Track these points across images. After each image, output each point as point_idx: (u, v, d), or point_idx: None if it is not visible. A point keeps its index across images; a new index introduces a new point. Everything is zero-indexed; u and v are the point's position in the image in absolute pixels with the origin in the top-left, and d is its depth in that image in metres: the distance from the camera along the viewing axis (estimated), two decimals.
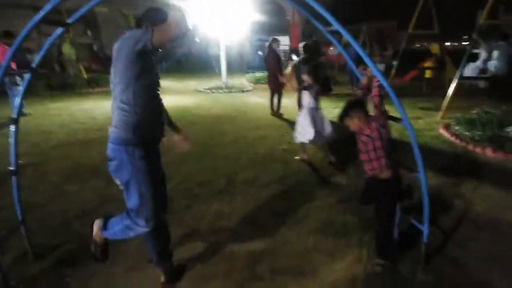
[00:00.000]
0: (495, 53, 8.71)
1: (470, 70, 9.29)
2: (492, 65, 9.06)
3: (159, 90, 2.30)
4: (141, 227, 2.22)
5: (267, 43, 8.78)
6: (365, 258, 2.80)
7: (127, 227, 2.25)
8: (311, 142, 4.87)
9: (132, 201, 2.16)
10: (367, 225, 3.25)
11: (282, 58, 8.85)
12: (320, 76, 7.06)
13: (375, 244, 2.75)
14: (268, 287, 2.51)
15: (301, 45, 8.18)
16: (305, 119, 4.79)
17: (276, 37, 8.88)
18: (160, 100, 2.34)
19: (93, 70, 16.81)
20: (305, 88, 4.81)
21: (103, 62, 17.47)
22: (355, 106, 2.61)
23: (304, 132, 4.81)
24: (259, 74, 15.17)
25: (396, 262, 2.71)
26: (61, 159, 5.35)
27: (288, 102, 9.00)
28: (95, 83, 13.51)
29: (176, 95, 11.78)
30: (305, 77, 4.93)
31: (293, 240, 3.10)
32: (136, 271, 2.70)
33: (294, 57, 11.03)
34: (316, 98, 4.83)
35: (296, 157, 5.21)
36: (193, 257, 2.85)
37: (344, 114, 2.62)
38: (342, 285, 2.51)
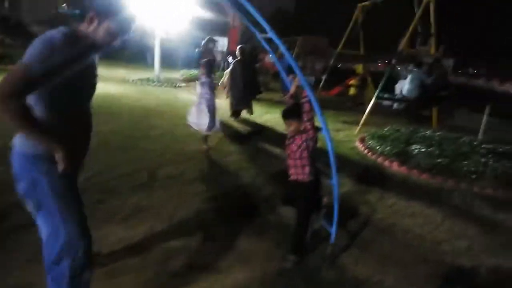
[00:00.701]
0: (409, 78, 9.74)
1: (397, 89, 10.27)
2: (405, 88, 10.12)
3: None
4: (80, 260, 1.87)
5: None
6: (278, 257, 2.92)
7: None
8: (205, 128, 5.39)
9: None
10: (284, 226, 3.40)
11: (218, 59, 8.86)
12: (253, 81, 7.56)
13: (289, 241, 2.90)
14: (180, 283, 2.48)
15: (238, 48, 8.39)
16: (200, 107, 5.40)
17: (213, 37, 8.86)
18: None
19: (8, 45, 15.13)
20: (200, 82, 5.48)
21: (19, 35, 15.80)
22: (297, 111, 2.72)
23: (199, 120, 5.42)
24: (194, 72, 14.96)
25: (305, 259, 2.88)
26: None
27: (222, 102, 9.03)
28: (9, 58, 12.12)
29: (104, 82, 11.07)
30: (200, 72, 5.59)
31: (210, 238, 3.11)
32: (37, 263, 2.48)
33: (230, 59, 11.18)
34: (211, 91, 5.45)
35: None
36: (103, 252, 2.71)
37: (289, 114, 2.77)
38: (254, 282, 2.59)
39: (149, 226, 3.17)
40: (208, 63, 5.51)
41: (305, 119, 2.68)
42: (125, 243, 2.86)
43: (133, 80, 12.41)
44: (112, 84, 11.17)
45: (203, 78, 5.46)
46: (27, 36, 16.21)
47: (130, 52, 18.80)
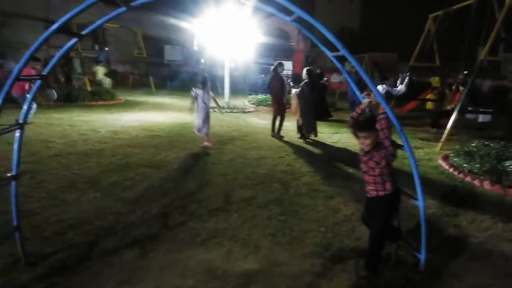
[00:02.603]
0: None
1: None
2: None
3: None
4: None
5: (271, 67, 9.00)
6: (360, 282, 2.76)
7: None
8: (200, 131, 6.88)
9: None
10: (363, 250, 3.23)
11: (286, 82, 9.02)
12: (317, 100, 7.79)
13: (365, 256, 2.79)
14: None
15: (304, 70, 8.48)
16: (197, 116, 6.84)
17: (281, 61, 9.07)
18: None
19: (97, 83, 17.08)
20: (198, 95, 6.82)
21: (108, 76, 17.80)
22: (374, 123, 2.62)
23: (201, 125, 6.80)
24: (261, 96, 15.35)
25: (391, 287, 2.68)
26: (59, 168, 5.34)
27: (289, 125, 9.09)
28: (98, 96, 13.66)
29: (179, 112, 11.87)
30: (197, 89, 6.86)
31: (288, 261, 3.06)
32: (128, 285, 2.66)
33: (291, 83, 11.37)
34: (208, 101, 6.87)
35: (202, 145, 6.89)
36: (185, 274, 2.81)
37: (365, 125, 2.64)
38: None
39: (227, 249, 3.22)
40: (203, 79, 6.99)
41: (383, 136, 2.56)
42: (205, 266, 2.93)
43: (221, 113, 13.08)
44: (186, 113, 11.88)
45: (199, 92, 6.80)
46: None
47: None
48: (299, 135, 8.40)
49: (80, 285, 2.60)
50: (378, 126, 2.56)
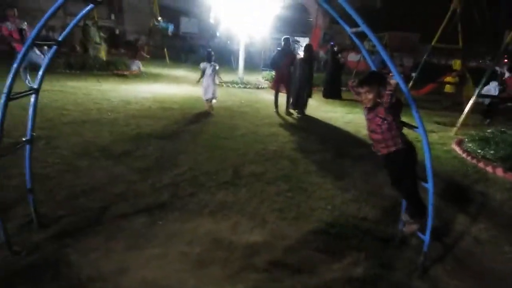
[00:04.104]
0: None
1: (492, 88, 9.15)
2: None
3: None
4: None
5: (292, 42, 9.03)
6: (363, 261, 2.79)
7: None
8: (207, 98, 7.94)
9: None
10: (368, 229, 3.25)
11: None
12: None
13: (407, 206, 2.81)
14: (263, 279, 2.52)
15: (304, 45, 8.62)
16: (206, 84, 7.85)
17: (287, 36, 8.92)
18: None
19: (113, 53, 17.06)
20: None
21: (123, 46, 17.73)
22: (378, 77, 2.54)
23: (205, 92, 7.88)
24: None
25: (392, 267, 2.71)
26: (73, 135, 5.44)
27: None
28: (114, 66, 13.69)
29: (192, 85, 11.84)
30: (203, 65, 7.94)
31: (293, 236, 3.10)
32: (136, 249, 2.75)
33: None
34: (214, 72, 7.88)
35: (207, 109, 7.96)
36: (192, 242, 2.88)
37: (367, 81, 2.57)
38: (338, 285, 2.51)
39: (234, 221, 3.28)
40: (208, 54, 8.07)
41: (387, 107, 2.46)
42: (213, 236, 3.00)
43: (219, 83, 13.01)
44: (199, 87, 11.86)
45: (206, 65, 7.87)
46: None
47: (217, 57, 19.79)
48: (292, 111, 8.50)
49: (90, 247, 2.70)
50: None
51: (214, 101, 8.05)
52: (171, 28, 19.92)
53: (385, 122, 2.51)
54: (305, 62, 8.43)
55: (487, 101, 9.38)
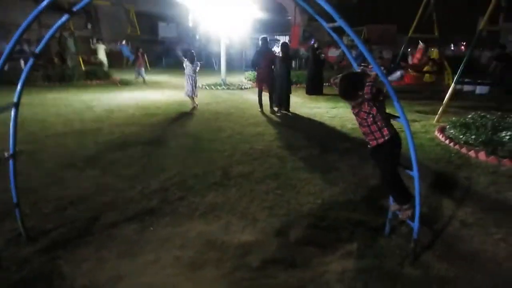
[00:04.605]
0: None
1: None
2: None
3: None
4: None
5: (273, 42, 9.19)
6: (355, 252, 2.84)
7: None
8: (187, 94, 8.79)
9: None
10: (358, 221, 3.30)
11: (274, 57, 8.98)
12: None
13: (392, 196, 2.87)
14: (258, 276, 2.54)
15: (280, 43, 8.81)
16: (186, 82, 8.68)
17: (264, 36, 9.00)
18: None
19: (91, 63, 16.82)
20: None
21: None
22: (352, 85, 2.60)
23: (186, 90, 8.72)
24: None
25: (384, 256, 2.76)
26: (57, 147, 5.36)
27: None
28: (93, 75, 13.51)
29: (174, 90, 11.79)
30: (186, 62, 8.78)
31: (285, 232, 3.13)
32: (128, 256, 2.73)
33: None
34: (195, 71, 8.70)
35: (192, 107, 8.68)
36: (184, 246, 2.88)
37: (345, 95, 2.66)
38: (332, 277, 2.54)
39: (225, 222, 3.29)
40: (190, 54, 8.88)
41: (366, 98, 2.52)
42: (205, 238, 3.00)
43: (202, 86, 12.98)
44: (183, 90, 11.80)
45: (188, 64, 8.72)
46: None
47: (198, 60, 19.70)
48: (276, 109, 8.57)
49: (81, 258, 2.67)
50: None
51: (195, 97, 8.90)
52: (126, 53, 19.76)
53: (370, 115, 2.58)
54: (283, 61, 8.59)
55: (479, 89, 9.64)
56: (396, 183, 2.78)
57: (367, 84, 2.45)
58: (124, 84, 13.16)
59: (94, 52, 16.80)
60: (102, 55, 16.45)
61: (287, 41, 23.97)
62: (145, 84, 13.29)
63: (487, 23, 7.43)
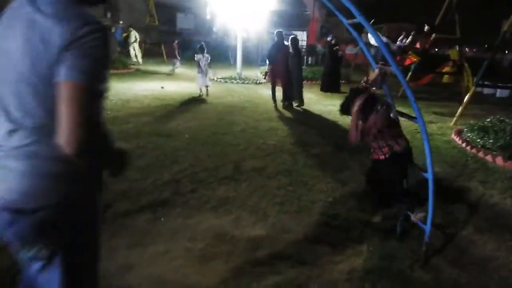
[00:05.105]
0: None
1: None
2: None
3: None
4: None
5: (286, 36, 9.13)
6: (365, 252, 2.82)
7: None
8: (200, 85, 9.29)
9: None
10: (369, 221, 3.28)
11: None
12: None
13: (403, 207, 2.90)
14: (267, 271, 2.55)
15: (290, 38, 8.74)
16: (199, 75, 9.16)
17: (280, 30, 8.96)
18: None
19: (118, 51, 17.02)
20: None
21: (119, 45, 17.65)
22: (355, 95, 2.74)
23: (198, 81, 9.23)
24: None
25: (395, 258, 2.74)
26: None
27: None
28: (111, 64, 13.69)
29: (190, 82, 11.83)
30: (198, 56, 9.24)
31: (295, 229, 3.13)
32: (140, 246, 2.77)
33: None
34: (206, 65, 9.19)
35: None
36: (195, 238, 2.91)
37: (347, 103, 2.82)
38: (341, 276, 2.54)
39: (236, 216, 3.31)
40: (201, 47, 9.36)
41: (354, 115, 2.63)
42: (215, 231, 3.02)
43: (217, 79, 13.01)
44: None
45: (200, 57, 9.19)
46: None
47: (214, 53, 19.73)
48: (286, 103, 8.56)
49: None
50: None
51: (208, 87, 9.36)
52: (118, 36, 19.83)
53: (371, 134, 2.67)
54: (294, 56, 8.61)
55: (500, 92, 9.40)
56: (401, 194, 2.82)
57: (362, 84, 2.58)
58: (142, 74, 13.30)
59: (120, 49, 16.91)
60: (135, 46, 16.54)
61: (304, 36, 23.78)
62: (171, 75, 13.54)
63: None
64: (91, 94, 1.09)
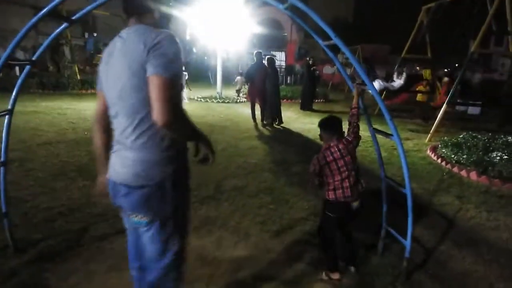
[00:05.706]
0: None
1: None
2: None
3: None
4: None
5: (267, 57, 9.35)
6: (348, 269, 2.81)
7: None
8: None
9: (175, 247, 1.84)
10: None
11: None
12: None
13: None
14: None
15: (266, 58, 9.03)
16: None
17: (259, 51, 9.17)
18: None
19: (87, 72, 16.84)
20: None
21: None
22: (329, 125, 2.80)
23: None
24: None
25: (375, 274, 2.74)
26: (48, 156, 5.29)
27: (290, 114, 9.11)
28: (89, 84, 13.48)
29: None
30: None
31: (277, 249, 3.10)
32: (116, 271, 2.67)
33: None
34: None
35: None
36: None
37: (322, 126, 2.86)
38: None
39: (217, 237, 3.25)
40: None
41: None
42: (197, 252, 2.96)
43: (197, 98, 13.04)
44: None
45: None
46: None
47: (194, 73, 19.81)
48: (266, 121, 8.69)
49: (70, 271, 2.61)
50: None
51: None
52: (89, 47, 19.78)
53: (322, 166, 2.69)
54: (271, 75, 8.81)
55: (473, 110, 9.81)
56: (326, 246, 2.71)
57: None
58: None
59: (89, 61, 16.75)
60: (67, 55, 15.27)
61: (283, 56, 24.28)
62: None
63: (479, 46, 7.63)
64: (171, 82, 1.46)
